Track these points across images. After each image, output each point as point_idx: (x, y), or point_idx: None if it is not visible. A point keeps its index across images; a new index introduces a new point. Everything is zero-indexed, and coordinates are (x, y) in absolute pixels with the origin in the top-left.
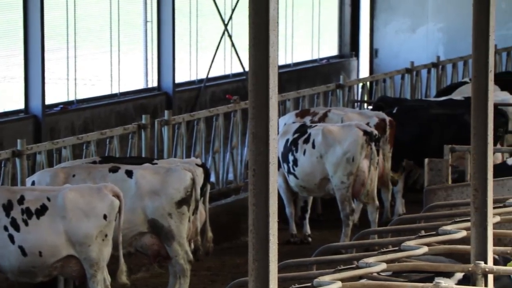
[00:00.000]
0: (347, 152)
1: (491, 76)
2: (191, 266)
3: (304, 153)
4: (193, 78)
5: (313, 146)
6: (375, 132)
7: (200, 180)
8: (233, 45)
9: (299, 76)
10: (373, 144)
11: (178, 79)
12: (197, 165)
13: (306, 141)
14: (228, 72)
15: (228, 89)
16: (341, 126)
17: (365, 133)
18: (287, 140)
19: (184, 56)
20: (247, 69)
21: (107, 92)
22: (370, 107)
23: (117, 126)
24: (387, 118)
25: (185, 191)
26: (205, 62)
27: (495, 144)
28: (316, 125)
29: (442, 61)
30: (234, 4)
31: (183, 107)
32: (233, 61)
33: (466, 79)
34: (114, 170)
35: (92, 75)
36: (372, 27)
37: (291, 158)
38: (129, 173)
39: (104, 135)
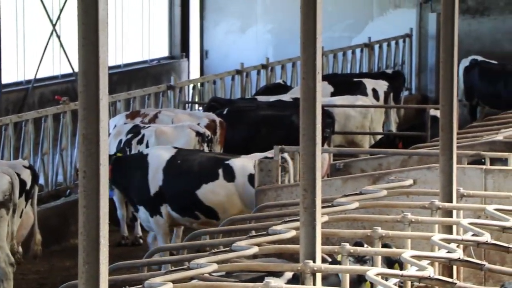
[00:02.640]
0: None
1: (319, 78)
2: (13, 269)
3: None
4: (21, 79)
5: (147, 147)
6: (208, 132)
7: (28, 182)
8: (61, 45)
9: (129, 77)
10: (205, 145)
11: (5, 80)
12: (24, 166)
13: (140, 142)
14: (57, 73)
15: (57, 90)
16: (174, 127)
17: (198, 133)
18: (120, 141)
19: (11, 56)
20: (76, 69)
21: None
22: (201, 108)
23: None
24: (217, 119)
25: (3, 195)
26: (33, 63)
27: (322, 145)
28: (149, 126)
29: (271, 63)
30: (62, 4)
31: (11, 109)
32: (62, 61)
33: (280, 81)
34: None
35: None
36: (202, 28)
37: None
38: None
39: None
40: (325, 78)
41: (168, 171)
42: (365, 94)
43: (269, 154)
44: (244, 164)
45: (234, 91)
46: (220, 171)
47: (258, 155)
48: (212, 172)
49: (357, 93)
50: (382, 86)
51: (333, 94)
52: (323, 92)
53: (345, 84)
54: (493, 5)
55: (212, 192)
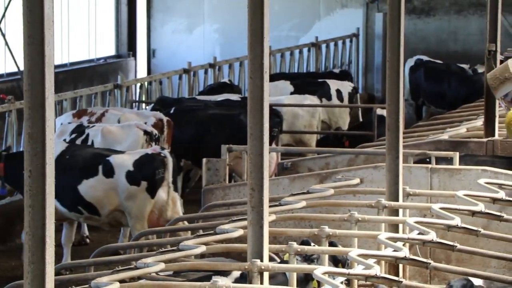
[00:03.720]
0: None
1: (266, 77)
2: None
3: None
4: None
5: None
6: (155, 131)
7: None
8: (6, 43)
9: (76, 76)
10: (153, 143)
11: None
12: None
13: (85, 141)
14: (2, 71)
15: (2, 88)
16: (121, 126)
17: (146, 132)
18: (64, 140)
19: None
20: (22, 68)
21: None
22: (149, 107)
23: None
24: (165, 118)
25: None
26: None
27: (270, 144)
28: (94, 125)
29: (218, 62)
30: (7, 2)
31: None
32: (7, 60)
33: (226, 80)
34: None
35: None
36: (149, 27)
37: None
38: None
39: None
40: (287, 77)
41: (57, 166)
42: (329, 95)
43: (150, 150)
44: (123, 160)
45: (181, 90)
46: (100, 167)
47: (141, 151)
48: (92, 167)
49: (320, 93)
50: (346, 87)
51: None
52: (283, 92)
53: (308, 84)
54: (438, 5)
55: (92, 187)
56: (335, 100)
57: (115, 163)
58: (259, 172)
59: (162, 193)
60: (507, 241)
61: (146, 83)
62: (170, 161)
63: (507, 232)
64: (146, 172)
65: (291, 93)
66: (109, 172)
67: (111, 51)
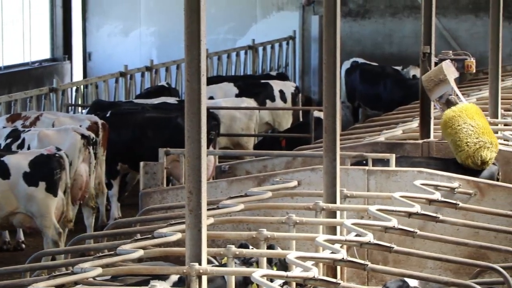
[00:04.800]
0: None
1: (203, 80)
2: None
3: None
4: None
5: None
6: (93, 135)
7: None
8: None
9: (10, 79)
10: (91, 147)
11: None
12: None
13: (21, 146)
14: None
15: None
16: (58, 130)
17: (83, 136)
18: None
19: None
20: None
21: None
22: (85, 111)
23: None
24: (100, 121)
25: None
26: None
27: (208, 147)
28: (30, 130)
29: (155, 65)
30: None
31: None
32: None
33: (163, 83)
34: None
35: None
36: (85, 30)
37: None
38: None
39: None
40: (230, 80)
41: None
42: (272, 96)
43: (44, 150)
44: (19, 161)
45: (118, 94)
46: None
47: (35, 151)
48: None
49: (263, 94)
50: (289, 87)
51: (238, 96)
52: (227, 94)
53: (252, 86)
54: (374, 8)
55: None
56: (278, 101)
57: (10, 163)
58: (196, 175)
59: (60, 193)
60: (443, 242)
61: (82, 87)
62: (66, 162)
63: (443, 233)
64: (43, 173)
65: (236, 95)
66: (5, 173)
67: (46, 55)
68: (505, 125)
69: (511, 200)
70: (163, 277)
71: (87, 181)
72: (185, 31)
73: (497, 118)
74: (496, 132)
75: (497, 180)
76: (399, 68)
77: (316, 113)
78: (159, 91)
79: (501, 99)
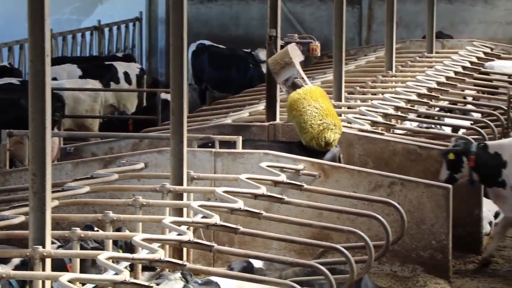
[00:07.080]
0: None
1: (48, 61)
2: None
3: None
4: None
5: None
6: None
7: None
8: None
9: None
10: None
11: None
12: None
13: None
14: None
15: None
16: None
17: None
18: None
19: None
20: None
21: None
22: None
23: None
24: None
25: None
26: None
27: (52, 129)
28: None
29: None
30: None
31: None
32: None
33: (6, 63)
34: None
35: None
36: None
37: None
38: None
39: None
40: (74, 61)
41: None
42: (117, 78)
43: None
44: None
45: None
46: None
47: None
48: None
49: (107, 76)
50: (134, 69)
51: (82, 78)
52: (70, 75)
53: (96, 67)
54: None
55: None
56: (123, 83)
57: None
58: (41, 157)
59: None
60: (288, 223)
61: None
62: None
63: (288, 214)
64: None
65: (80, 77)
66: None
67: None
68: (349, 108)
69: (354, 182)
70: (5, 261)
71: None
72: (28, 11)
73: (341, 101)
74: (340, 115)
75: (339, 162)
76: (247, 51)
77: (163, 95)
78: (1, 72)
79: (345, 82)
